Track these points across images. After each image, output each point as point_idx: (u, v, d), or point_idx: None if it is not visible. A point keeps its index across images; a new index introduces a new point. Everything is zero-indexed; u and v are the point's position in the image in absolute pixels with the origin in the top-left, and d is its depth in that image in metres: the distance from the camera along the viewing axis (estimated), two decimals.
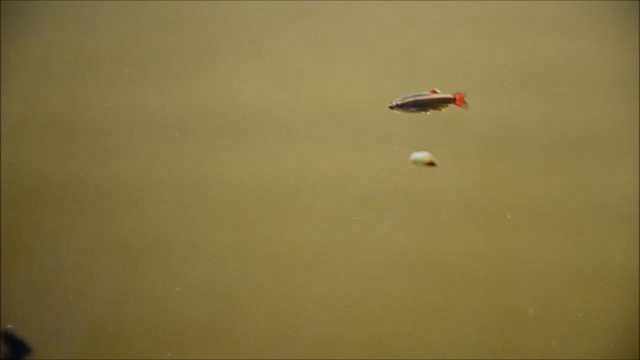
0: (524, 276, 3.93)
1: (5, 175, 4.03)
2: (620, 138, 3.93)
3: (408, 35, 4.01)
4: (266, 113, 4.02)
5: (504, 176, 3.96)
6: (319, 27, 4.03)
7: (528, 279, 3.94)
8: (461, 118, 3.96)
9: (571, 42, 3.97)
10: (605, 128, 3.95)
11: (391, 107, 3.17)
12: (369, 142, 3.98)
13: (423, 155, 3.16)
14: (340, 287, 3.95)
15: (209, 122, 4.03)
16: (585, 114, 3.95)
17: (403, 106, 3.15)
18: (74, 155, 4.04)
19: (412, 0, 3.99)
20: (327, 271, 3.96)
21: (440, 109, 3.14)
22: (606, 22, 3.93)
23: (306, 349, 3.97)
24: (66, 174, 4.04)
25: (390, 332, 3.93)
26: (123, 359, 3.96)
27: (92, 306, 3.97)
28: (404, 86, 3.99)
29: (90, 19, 4.07)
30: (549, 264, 3.93)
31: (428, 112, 3.15)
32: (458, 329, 3.94)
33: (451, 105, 3.15)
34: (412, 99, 3.14)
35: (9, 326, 3.89)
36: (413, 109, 3.14)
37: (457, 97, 3.14)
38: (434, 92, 3.14)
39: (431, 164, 3.14)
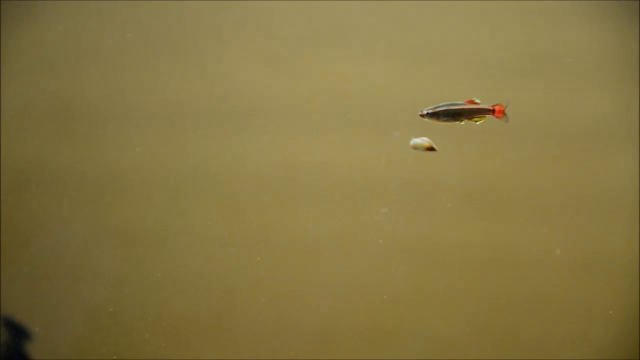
0: (523, 264, 3.94)
1: (4, 163, 4.03)
2: (620, 127, 3.93)
3: (408, 23, 4.01)
4: (265, 101, 4.02)
5: (504, 164, 3.96)
6: (320, 14, 4.03)
7: (527, 266, 3.94)
8: None
9: (570, 31, 3.97)
10: (606, 117, 3.95)
11: (421, 116, 2.98)
12: (368, 128, 3.98)
13: (422, 141, 3.15)
14: (340, 275, 3.95)
15: (208, 110, 4.03)
16: (585, 103, 3.95)
17: (434, 115, 2.96)
18: (72, 143, 4.04)
19: None
20: (327, 259, 3.96)
21: (475, 121, 2.95)
22: (606, 10, 3.94)
23: (305, 337, 3.97)
24: (64, 161, 4.04)
25: (390, 319, 3.94)
26: (121, 346, 3.96)
27: (91, 293, 3.97)
28: (404, 73, 3.99)
29: (89, 7, 4.07)
30: (547, 252, 3.94)
31: (461, 123, 2.95)
32: (457, 316, 3.94)
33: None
34: (444, 108, 2.95)
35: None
36: (445, 119, 2.95)
37: (497, 108, 2.95)
38: (472, 102, 2.95)
39: (431, 149, 3.14)
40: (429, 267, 3.95)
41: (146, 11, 4.05)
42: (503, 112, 2.96)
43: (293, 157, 3.99)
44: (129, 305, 3.96)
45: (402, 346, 3.94)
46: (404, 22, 4.01)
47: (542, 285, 3.92)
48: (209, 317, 3.98)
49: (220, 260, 3.98)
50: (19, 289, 3.97)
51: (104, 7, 4.06)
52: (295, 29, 4.03)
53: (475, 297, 3.93)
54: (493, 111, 2.96)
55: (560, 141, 3.96)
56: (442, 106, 2.96)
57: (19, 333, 3.90)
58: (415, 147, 3.15)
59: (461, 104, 2.96)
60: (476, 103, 2.96)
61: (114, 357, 3.94)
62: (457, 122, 2.96)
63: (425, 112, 2.98)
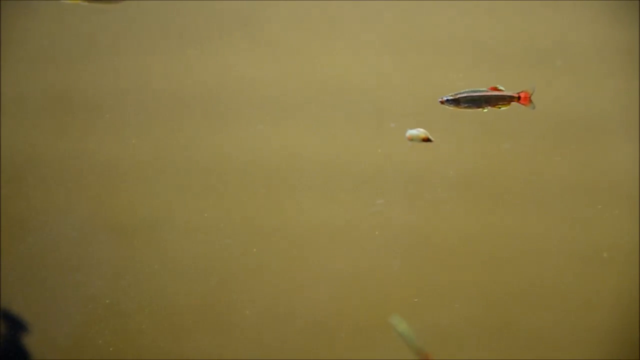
0: (522, 255, 3.94)
1: (2, 153, 4.03)
2: (620, 118, 3.94)
3: (404, 13, 4.01)
4: (260, 92, 4.02)
5: (502, 155, 3.97)
6: (315, 5, 4.02)
7: (526, 258, 3.95)
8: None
9: (570, 20, 3.97)
10: (605, 107, 3.95)
11: (441, 102, 2.90)
12: (364, 119, 3.98)
13: (418, 132, 3.16)
14: (337, 265, 3.96)
15: (203, 101, 4.03)
16: (584, 92, 3.95)
17: (455, 101, 2.88)
18: (68, 135, 4.04)
19: None
20: (324, 250, 3.97)
21: (499, 107, 2.88)
22: (607, 1, 3.94)
23: (302, 328, 3.97)
24: (60, 153, 4.03)
25: (388, 309, 3.94)
26: (118, 338, 3.96)
27: (88, 284, 3.97)
28: (400, 64, 3.99)
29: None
30: (546, 243, 3.94)
31: (484, 110, 2.88)
32: (455, 306, 3.95)
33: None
34: (466, 94, 2.87)
35: None
36: (466, 105, 2.88)
37: (523, 95, 2.89)
38: (495, 88, 2.89)
39: (427, 139, 3.14)
40: (426, 258, 3.96)
41: (141, 4, 4.04)
42: (529, 99, 2.89)
43: (289, 148, 3.99)
44: (125, 297, 3.96)
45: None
46: (401, 13, 4.00)
47: (541, 277, 3.93)
48: (205, 309, 3.98)
49: (216, 251, 3.98)
50: (16, 282, 3.97)
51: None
52: (290, 19, 4.02)
53: (473, 288, 3.94)
54: (518, 98, 2.90)
55: (559, 132, 3.96)
56: (463, 93, 2.90)
57: (16, 326, 3.91)
58: (412, 139, 3.15)
59: (484, 90, 2.90)
60: (500, 90, 2.90)
61: (111, 349, 3.95)
62: (479, 109, 2.90)
63: (445, 98, 2.92)
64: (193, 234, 3.99)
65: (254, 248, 3.98)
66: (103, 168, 4.02)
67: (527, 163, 3.96)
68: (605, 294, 3.90)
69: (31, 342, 3.92)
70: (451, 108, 2.90)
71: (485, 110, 2.90)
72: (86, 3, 3.26)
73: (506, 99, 2.89)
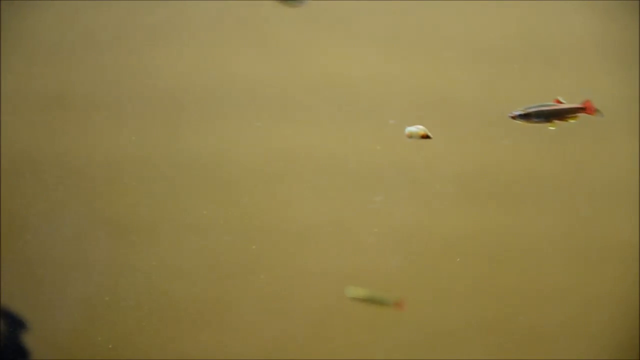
0: (520, 252, 3.94)
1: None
2: (619, 115, 3.94)
3: (402, 10, 4.01)
4: (259, 88, 4.01)
5: (500, 152, 3.97)
6: (314, 1, 4.02)
7: (524, 254, 3.95)
8: (456, 92, 3.96)
9: (568, 15, 3.96)
10: (603, 102, 3.95)
11: (512, 117, 2.92)
12: (363, 116, 3.98)
13: (417, 129, 3.16)
14: (335, 261, 3.96)
15: (202, 98, 4.03)
16: (583, 87, 3.95)
17: (526, 116, 2.90)
18: (66, 132, 4.04)
19: None
20: (322, 247, 3.97)
21: (567, 120, 2.91)
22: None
23: (301, 324, 3.97)
24: (58, 150, 4.03)
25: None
26: (117, 335, 3.96)
27: (86, 282, 3.97)
28: (399, 61, 3.99)
29: None
30: (545, 240, 3.95)
31: (552, 127, 2.91)
32: (452, 302, 3.95)
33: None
34: (535, 109, 2.90)
35: None
36: (537, 120, 2.91)
37: (587, 105, 2.91)
38: (559, 101, 2.91)
39: (426, 136, 3.15)
40: (425, 255, 3.96)
41: (138, 2, 4.04)
42: (594, 108, 2.91)
43: (287, 145, 3.99)
44: (124, 294, 3.96)
45: (397, 334, 3.95)
46: (400, 10, 4.00)
47: (539, 274, 3.93)
48: (204, 305, 3.98)
49: (215, 248, 3.98)
50: (15, 279, 3.97)
51: None
52: (289, 17, 4.02)
53: (471, 285, 3.94)
54: (584, 109, 2.91)
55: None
56: (533, 107, 2.91)
57: (15, 324, 3.90)
58: (411, 136, 3.16)
59: (551, 104, 2.92)
60: (562, 102, 2.92)
61: (110, 346, 3.95)
62: (548, 124, 2.92)
63: (516, 113, 2.94)
64: (192, 231, 3.98)
65: (253, 245, 3.98)
66: (102, 165, 4.01)
67: (525, 161, 3.96)
68: (605, 293, 3.90)
69: (30, 339, 3.92)
70: (520, 123, 2.91)
71: (554, 124, 2.92)
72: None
73: (573, 111, 2.91)
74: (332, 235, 3.95)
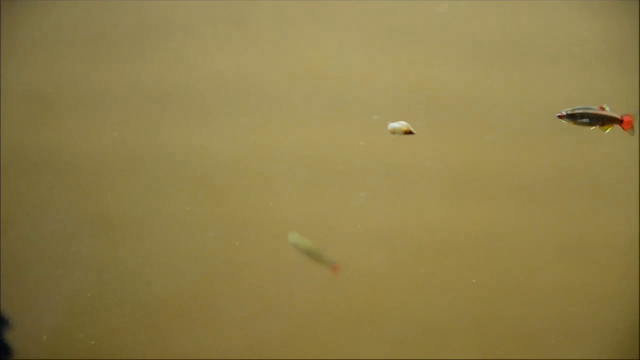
0: (506, 249, 3.94)
1: None
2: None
3: (387, 6, 4.00)
4: (242, 85, 4.01)
5: (485, 148, 3.97)
6: None
7: (510, 252, 3.95)
8: (441, 89, 3.96)
9: (561, 13, 3.96)
10: (590, 99, 3.95)
11: (560, 117, 2.99)
12: (346, 112, 3.98)
13: (401, 125, 3.15)
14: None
15: (185, 94, 4.02)
16: (568, 85, 3.95)
17: (573, 117, 2.97)
18: (49, 128, 4.03)
19: None
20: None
21: (605, 129, 2.97)
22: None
23: (284, 321, 3.97)
24: (41, 147, 4.02)
25: (370, 304, 3.94)
26: (100, 331, 3.95)
27: (69, 278, 3.96)
28: (382, 57, 3.99)
29: None
30: (529, 235, 3.95)
31: (592, 128, 2.97)
32: (437, 300, 3.95)
33: None
34: (582, 111, 2.96)
35: None
36: (583, 121, 2.97)
37: (626, 119, 2.96)
38: (602, 108, 2.97)
39: (409, 132, 3.14)
40: (410, 252, 3.96)
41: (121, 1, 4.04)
42: (631, 124, 2.97)
43: (271, 142, 3.99)
44: (107, 291, 3.95)
45: (383, 331, 3.94)
46: (383, 6, 4.00)
47: (523, 268, 3.93)
48: (187, 302, 3.98)
49: (198, 245, 3.97)
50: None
51: None
52: (272, 13, 4.01)
53: (454, 280, 3.94)
54: (622, 121, 2.97)
55: (541, 125, 3.97)
56: (579, 109, 2.98)
57: None
58: (394, 132, 3.15)
59: (595, 109, 2.98)
60: (605, 110, 2.98)
61: (92, 342, 3.94)
62: (590, 127, 2.99)
63: (564, 113, 2.99)
64: (175, 227, 3.98)
65: (237, 241, 3.98)
66: (84, 161, 4.00)
67: (509, 156, 3.96)
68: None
69: (13, 336, 3.91)
70: (566, 122, 2.98)
71: (593, 128, 2.99)
72: None
73: (611, 121, 2.97)
74: (316, 232, 3.95)
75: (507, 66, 3.96)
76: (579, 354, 3.88)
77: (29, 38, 4.04)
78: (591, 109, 2.98)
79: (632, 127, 2.98)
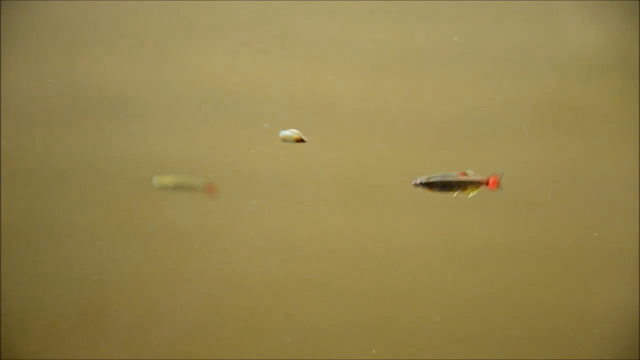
0: (395, 253, 3.98)
1: None
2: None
3: (277, 14, 4.02)
4: (128, 93, 3.99)
5: (376, 154, 4.00)
6: (192, 6, 4.01)
7: (399, 255, 3.99)
8: (332, 96, 3.99)
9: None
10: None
11: (415, 185, 2.97)
12: (238, 120, 3.98)
13: (292, 133, 3.18)
14: (213, 267, 3.95)
15: (75, 99, 3.99)
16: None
17: (428, 185, 2.95)
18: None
19: None
20: (195, 250, 3.96)
21: (468, 192, 2.93)
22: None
23: (176, 327, 3.95)
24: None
25: (261, 308, 3.95)
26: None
27: None
28: (272, 63, 4.00)
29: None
30: (421, 240, 3.99)
31: (454, 195, 2.94)
32: (328, 305, 3.97)
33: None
34: (439, 179, 2.94)
35: None
36: (438, 189, 2.94)
37: (492, 180, 2.93)
38: (464, 174, 2.94)
39: (300, 140, 3.16)
40: (300, 258, 3.97)
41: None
42: (497, 184, 2.94)
43: (161, 149, 3.97)
44: (6, 299, 3.90)
45: (274, 336, 3.95)
46: (274, 14, 4.01)
47: (411, 271, 3.97)
48: (80, 313, 3.94)
49: (90, 253, 3.94)
50: None
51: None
52: (163, 19, 4.00)
53: (348, 288, 3.97)
54: (487, 183, 2.94)
55: (433, 129, 4.01)
56: (436, 177, 2.95)
57: None
58: (285, 139, 3.17)
59: (454, 175, 2.95)
60: (467, 175, 2.96)
61: None
62: (450, 193, 2.95)
63: (418, 181, 2.98)
64: (65, 235, 3.93)
65: (128, 250, 3.95)
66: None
67: (402, 164, 4.00)
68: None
69: None
70: (423, 190, 2.95)
71: (455, 195, 2.95)
72: None
73: (475, 184, 2.93)
74: (209, 239, 3.94)
75: (399, 73, 4.01)
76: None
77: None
78: (449, 176, 2.95)
79: (499, 186, 2.95)
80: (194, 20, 4.01)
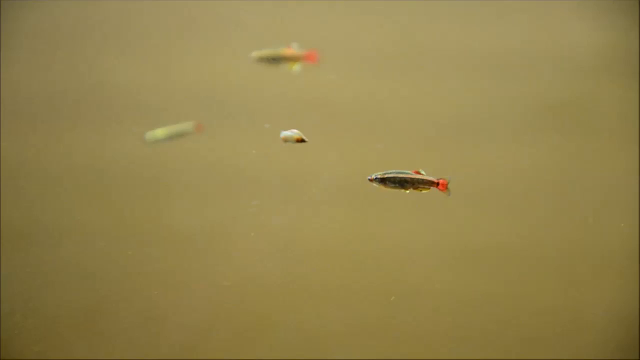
0: (395, 253, 3.98)
1: None
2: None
3: (277, 12, 4.02)
4: (134, 93, 3.99)
5: (375, 154, 4.00)
6: (189, 7, 4.02)
7: (399, 255, 3.99)
8: (333, 96, 3.99)
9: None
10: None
11: (370, 180, 3.09)
12: (239, 120, 3.98)
13: (293, 133, 3.17)
14: (214, 268, 3.95)
15: (78, 102, 3.99)
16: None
17: (383, 181, 3.07)
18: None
19: None
20: (199, 251, 3.96)
21: (420, 190, 3.07)
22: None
23: (175, 330, 3.95)
24: None
25: (263, 309, 3.95)
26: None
27: None
28: (279, 64, 4.00)
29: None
30: (421, 241, 3.99)
31: (407, 192, 3.07)
32: (330, 305, 3.97)
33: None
34: (393, 176, 3.06)
35: None
36: (392, 185, 3.06)
37: (441, 182, 3.06)
38: (418, 172, 3.06)
39: (301, 140, 3.16)
40: (301, 259, 3.97)
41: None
42: (446, 187, 3.06)
43: (163, 150, 3.97)
44: (4, 300, 3.91)
45: (276, 337, 3.95)
46: (273, 13, 4.01)
47: (405, 273, 3.98)
48: (83, 314, 3.94)
49: (90, 254, 3.94)
50: None
51: None
52: (163, 21, 4.00)
53: (349, 289, 3.97)
54: (437, 184, 3.06)
55: (434, 134, 4.02)
56: (391, 173, 3.07)
57: None
58: (286, 140, 3.16)
59: (409, 173, 3.06)
60: (421, 174, 3.06)
61: None
62: (403, 190, 3.06)
63: (374, 177, 3.08)
64: (66, 237, 3.94)
65: (129, 251, 3.95)
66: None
67: (403, 164, 4.00)
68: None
69: None
70: (377, 186, 3.05)
71: (408, 192, 3.06)
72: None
73: (426, 184, 3.06)
74: (210, 240, 3.94)
75: (399, 73, 4.01)
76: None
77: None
78: (403, 173, 3.06)
79: (448, 189, 3.07)
80: (195, 20, 4.01)
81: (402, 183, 3.06)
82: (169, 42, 4.01)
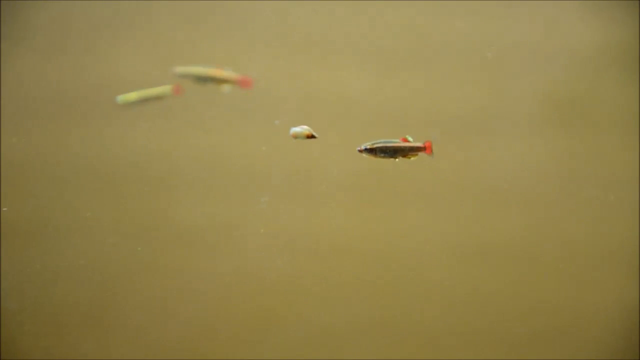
0: (403, 250, 3.98)
1: None
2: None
3: (285, 10, 4.02)
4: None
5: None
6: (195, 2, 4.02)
7: (407, 252, 3.99)
8: (343, 92, 3.99)
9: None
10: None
11: (360, 151, 3.14)
12: (249, 116, 3.99)
13: (302, 129, 3.18)
14: (221, 262, 3.96)
15: (80, 99, 3.99)
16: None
17: (371, 151, 3.12)
18: None
19: None
20: (208, 246, 3.96)
21: (409, 157, 3.13)
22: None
23: (187, 324, 3.96)
24: None
25: (271, 304, 3.95)
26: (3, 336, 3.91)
27: None
28: (282, 60, 4.00)
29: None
30: (429, 238, 3.99)
31: (396, 160, 3.13)
32: (337, 302, 3.97)
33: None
34: (381, 145, 3.11)
35: None
36: (381, 155, 3.12)
37: (427, 145, 3.13)
38: (405, 140, 3.12)
39: (311, 136, 3.17)
40: (309, 254, 3.97)
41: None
42: (431, 149, 3.13)
43: (173, 146, 3.97)
44: (6, 298, 3.91)
45: (283, 333, 3.96)
46: (281, 10, 4.02)
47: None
48: (90, 308, 3.94)
49: (101, 250, 3.94)
50: None
51: None
52: (173, 18, 4.01)
53: (356, 285, 3.97)
54: (425, 148, 3.12)
55: (446, 130, 4.02)
56: (379, 143, 3.11)
57: None
58: (296, 136, 3.17)
59: (397, 141, 3.11)
60: (408, 141, 3.12)
61: None
62: (393, 159, 3.13)
63: (363, 147, 3.12)
64: (76, 232, 3.94)
65: (139, 247, 3.96)
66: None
67: (411, 161, 4.00)
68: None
69: None
70: (367, 156, 3.09)
71: (397, 160, 3.13)
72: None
73: (414, 149, 3.12)
74: (219, 236, 3.95)
75: (409, 70, 4.01)
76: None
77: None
78: (391, 142, 3.11)
79: (432, 151, 3.15)
80: (203, 17, 4.01)
81: (390, 151, 3.11)
82: (174, 40, 4.02)
